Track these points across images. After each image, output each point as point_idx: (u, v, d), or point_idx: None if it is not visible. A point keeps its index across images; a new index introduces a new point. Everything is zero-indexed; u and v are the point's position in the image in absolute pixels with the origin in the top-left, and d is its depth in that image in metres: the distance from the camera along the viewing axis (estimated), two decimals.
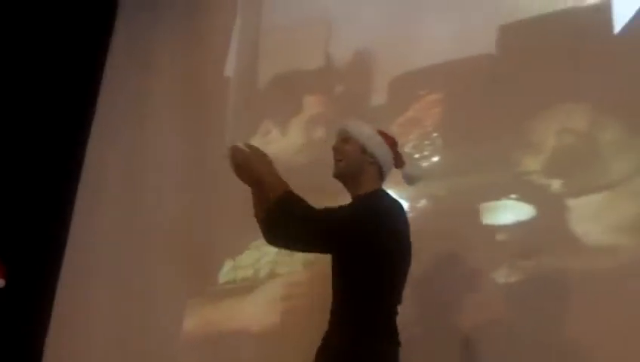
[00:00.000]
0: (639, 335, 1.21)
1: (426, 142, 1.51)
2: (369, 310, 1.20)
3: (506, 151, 1.42)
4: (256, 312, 1.61)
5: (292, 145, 1.63)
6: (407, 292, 1.25)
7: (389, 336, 1.22)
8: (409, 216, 1.42)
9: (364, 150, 1.29)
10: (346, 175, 1.30)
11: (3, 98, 1.97)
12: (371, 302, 1.20)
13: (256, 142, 1.63)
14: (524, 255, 1.34)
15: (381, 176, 1.29)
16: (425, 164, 1.50)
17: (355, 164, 1.29)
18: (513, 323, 1.32)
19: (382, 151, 1.29)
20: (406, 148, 1.52)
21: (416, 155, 1.50)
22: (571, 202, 1.37)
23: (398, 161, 1.31)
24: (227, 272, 1.67)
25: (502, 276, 1.36)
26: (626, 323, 1.23)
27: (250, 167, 1.24)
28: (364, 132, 1.30)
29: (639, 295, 1.25)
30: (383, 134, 1.32)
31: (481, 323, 1.32)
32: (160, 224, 1.79)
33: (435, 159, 1.49)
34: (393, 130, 1.53)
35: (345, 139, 1.31)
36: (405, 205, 1.48)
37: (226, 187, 1.64)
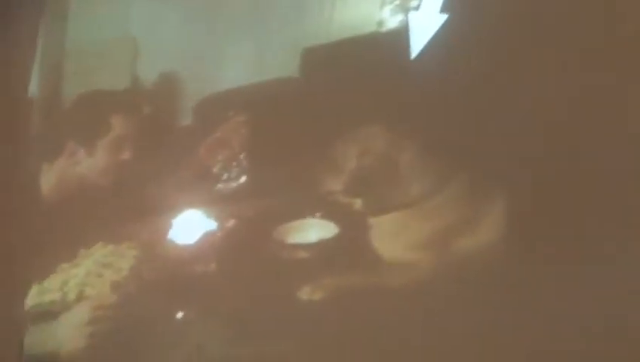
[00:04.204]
0: (436, 343, 1.29)
1: (234, 163, 1.53)
2: None
3: (310, 171, 1.46)
4: (63, 336, 1.57)
5: (98, 166, 1.61)
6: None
7: None
8: (218, 235, 1.45)
9: None
10: None
11: None
12: None
13: (61, 163, 1.61)
14: (326, 272, 1.40)
15: None
16: (233, 184, 1.53)
17: None
18: (316, 338, 1.36)
19: None
20: (215, 169, 1.54)
21: (224, 176, 1.52)
22: (372, 220, 1.42)
23: None
24: (34, 296, 1.62)
25: (305, 294, 1.40)
26: (422, 334, 1.29)
27: None
28: None
29: (434, 307, 1.33)
30: None
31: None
32: None
33: (243, 180, 1.51)
34: (202, 151, 1.55)
35: None
36: (215, 225, 1.51)
37: (29, 213, 1.61)
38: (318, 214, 1.40)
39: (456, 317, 1.27)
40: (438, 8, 1.41)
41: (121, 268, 1.49)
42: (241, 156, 1.50)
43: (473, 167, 1.41)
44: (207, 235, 1.46)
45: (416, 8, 1.42)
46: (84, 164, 1.58)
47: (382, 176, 1.40)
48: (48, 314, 1.57)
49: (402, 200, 1.37)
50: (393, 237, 1.36)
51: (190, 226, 1.49)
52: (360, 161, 1.43)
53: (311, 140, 1.44)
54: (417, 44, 1.46)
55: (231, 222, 1.46)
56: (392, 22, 1.46)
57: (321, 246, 1.38)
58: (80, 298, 1.54)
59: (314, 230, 1.39)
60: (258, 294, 1.37)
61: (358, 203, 1.39)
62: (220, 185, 1.49)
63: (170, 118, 1.59)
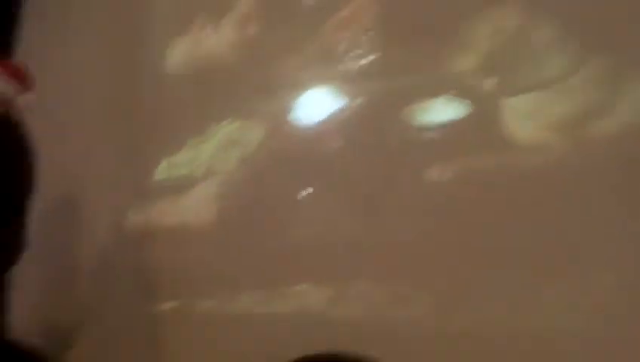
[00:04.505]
0: (565, 224, 1.28)
1: (362, 40, 1.51)
2: None
3: (442, 51, 1.43)
4: (192, 210, 1.61)
5: (225, 42, 1.61)
6: None
7: None
8: (345, 113, 1.44)
9: None
10: None
11: None
12: None
13: (189, 39, 1.62)
14: (457, 153, 1.39)
15: None
16: (361, 62, 1.51)
17: None
18: (446, 219, 1.37)
19: None
20: (340, 47, 1.53)
21: (351, 53, 1.51)
22: (505, 101, 1.40)
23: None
24: (163, 170, 1.66)
25: (434, 175, 1.41)
26: (552, 215, 1.28)
27: None
28: None
29: (568, 189, 1.31)
30: None
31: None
32: (94, 122, 1.77)
33: (371, 57, 1.50)
34: (326, 28, 1.54)
35: None
36: (342, 103, 1.51)
37: (159, 89, 1.64)
38: (448, 94, 1.38)
39: (588, 199, 1.25)
40: None
41: (248, 145, 1.51)
42: (369, 33, 1.48)
43: (612, 48, 1.35)
44: (335, 113, 1.46)
45: None
46: (211, 40, 1.59)
47: (516, 56, 1.36)
48: (176, 188, 1.61)
49: (537, 81, 1.34)
50: (527, 118, 1.33)
51: (317, 103, 1.49)
52: (493, 40, 1.40)
53: (443, 20, 1.41)
54: None
55: (359, 100, 1.45)
56: None
57: (452, 126, 1.37)
58: (208, 173, 1.57)
59: (445, 110, 1.38)
60: (386, 173, 1.38)
61: (490, 83, 1.36)
62: (347, 63, 1.48)
63: None
